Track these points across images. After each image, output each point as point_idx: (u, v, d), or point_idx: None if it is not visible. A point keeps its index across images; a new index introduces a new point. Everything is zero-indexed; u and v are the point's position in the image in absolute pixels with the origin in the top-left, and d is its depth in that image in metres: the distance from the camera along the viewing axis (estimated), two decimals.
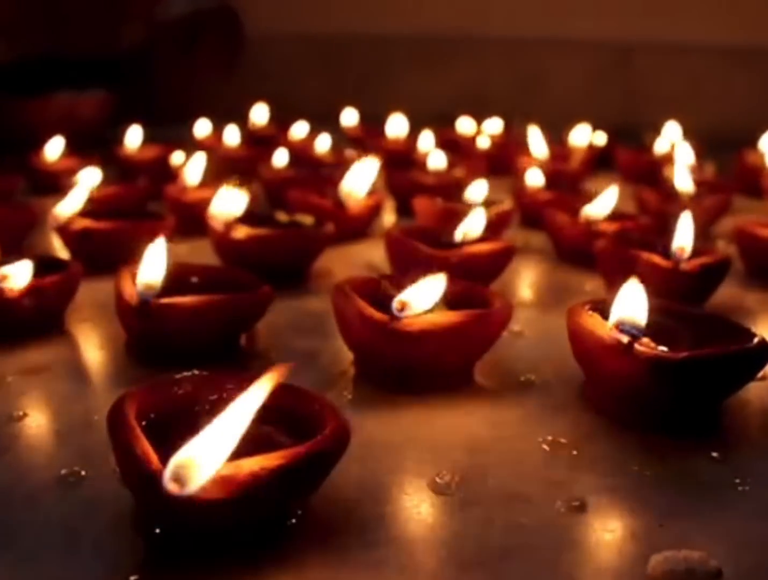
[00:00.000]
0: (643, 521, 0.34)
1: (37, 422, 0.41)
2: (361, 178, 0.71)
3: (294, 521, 0.33)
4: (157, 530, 0.31)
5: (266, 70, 1.48)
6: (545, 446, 0.40)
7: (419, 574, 0.31)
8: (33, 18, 1.23)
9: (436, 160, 0.86)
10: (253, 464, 0.29)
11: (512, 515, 0.34)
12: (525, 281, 0.65)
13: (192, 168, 0.75)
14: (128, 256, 0.62)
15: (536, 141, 1.00)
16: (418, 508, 0.35)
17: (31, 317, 0.50)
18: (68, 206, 0.62)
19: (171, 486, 0.28)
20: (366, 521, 0.33)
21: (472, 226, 0.57)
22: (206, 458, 0.28)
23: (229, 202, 0.60)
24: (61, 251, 0.70)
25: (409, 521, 0.34)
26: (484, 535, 0.33)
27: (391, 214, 0.83)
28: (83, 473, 0.36)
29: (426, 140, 1.01)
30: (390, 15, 1.47)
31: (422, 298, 0.43)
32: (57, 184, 0.87)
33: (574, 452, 0.39)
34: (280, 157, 0.87)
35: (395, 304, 0.42)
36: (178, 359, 0.46)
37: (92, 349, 0.51)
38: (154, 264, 0.46)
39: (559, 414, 0.43)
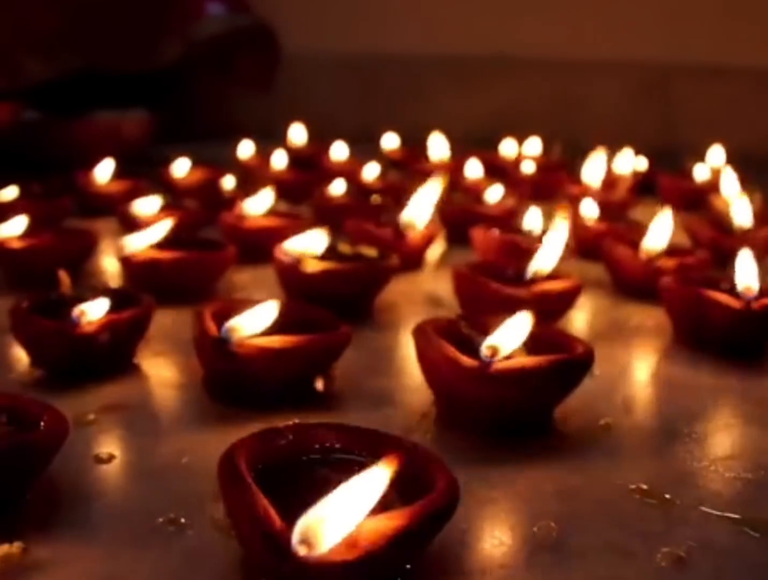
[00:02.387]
0: (743, 577, 0.34)
1: (124, 464, 0.41)
2: (421, 209, 0.71)
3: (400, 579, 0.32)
4: None
5: (301, 89, 1.49)
6: (636, 495, 0.40)
7: None
8: (69, 34, 1.23)
9: (495, 193, 0.86)
10: (375, 526, 0.29)
11: (613, 568, 0.34)
12: (587, 317, 0.65)
13: (255, 200, 0.75)
14: (192, 286, 0.63)
15: (590, 170, 0.99)
16: (521, 559, 0.34)
17: (106, 353, 0.50)
18: (141, 240, 0.63)
19: (299, 548, 0.28)
20: (471, 573, 0.33)
21: (544, 263, 0.57)
22: (334, 521, 0.28)
23: (306, 240, 0.60)
24: (114, 278, 0.70)
25: (515, 574, 0.34)
26: None
27: (441, 243, 0.83)
28: (183, 520, 0.36)
29: (473, 167, 1.01)
30: (426, 35, 1.47)
31: (510, 341, 0.43)
32: (105, 206, 0.88)
33: (666, 497, 0.39)
34: (337, 187, 0.88)
35: (485, 350, 0.42)
36: (256, 398, 0.47)
37: (169, 385, 0.51)
38: (256, 319, 0.46)
39: (644, 460, 0.43)
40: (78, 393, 0.48)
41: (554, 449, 0.44)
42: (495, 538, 0.36)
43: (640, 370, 0.57)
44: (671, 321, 0.60)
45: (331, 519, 0.28)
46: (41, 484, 0.37)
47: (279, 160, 1.04)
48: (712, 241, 0.76)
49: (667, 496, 0.39)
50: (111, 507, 0.37)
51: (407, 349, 0.56)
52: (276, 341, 0.45)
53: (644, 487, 0.40)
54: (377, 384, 0.51)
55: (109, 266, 0.75)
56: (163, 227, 0.64)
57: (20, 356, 0.52)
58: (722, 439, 0.46)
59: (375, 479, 0.30)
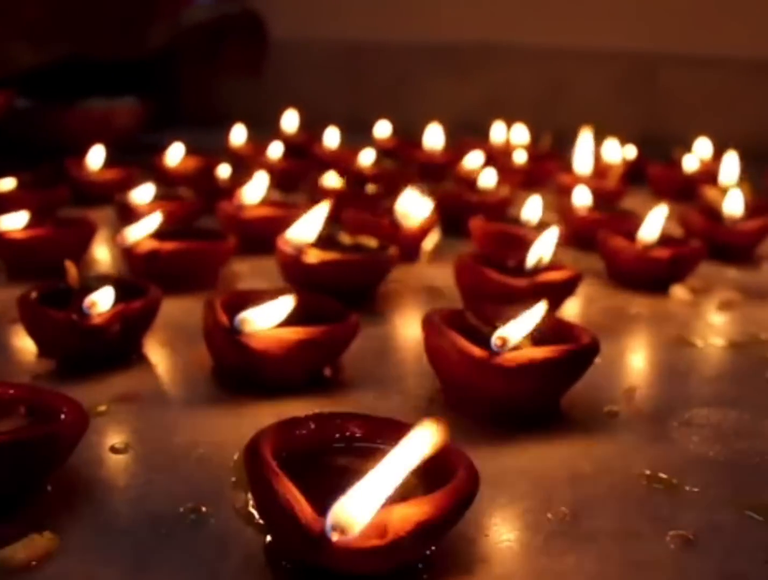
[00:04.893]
0: (749, 558, 0.35)
1: (140, 454, 0.41)
2: (417, 205, 0.72)
3: (421, 565, 0.33)
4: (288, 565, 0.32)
5: (291, 76, 1.48)
6: (643, 480, 0.41)
7: None
8: (57, 21, 1.23)
9: (487, 178, 0.87)
10: (402, 513, 0.30)
11: (626, 551, 0.35)
12: (584, 306, 0.66)
13: (252, 188, 0.75)
14: (194, 277, 0.63)
15: (581, 158, 1.00)
16: (537, 543, 0.35)
17: (115, 343, 0.51)
18: (140, 230, 0.63)
19: (332, 534, 0.28)
20: (486, 558, 0.34)
21: (543, 252, 0.58)
22: (362, 505, 0.29)
23: (305, 227, 0.60)
24: (113, 268, 0.70)
25: (531, 557, 0.34)
26: (604, 573, 0.34)
27: (436, 232, 0.83)
28: (204, 509, 0.37)
29: (471, 157, 1.01)
30: (414, 23, 1.47)
31: (520, 332, 0.44)
32: (98, 194, 0.88)
33: (672, 482, 0.40)
34: (331, 176, 0.88)
35: (495, 340, 0.43)
36: (266, 388, 0.47)
37: (178, 376, 0.51)
38: (270, 313, 0.47)
39: (649, 447, 0.44)
40: (88, 384, 0.48)
41: (562, 436, 0.45)
42: (509, 523, 0.37)
43: (639, 358, 0.58)
44: None
45: (362, 504, 0.29)
46: (60, 474, 0.38)
47: (275, 150, 1.04)
48: (705, 231, 0.77)
49: (674, 481, 0.40)
50: (132, 496, 0.38)
51: (411, 337, 0.57)
52: (288, 332, 0.46)
53: (651, 472, 0.41)
54: (384, 372, 0.52)
55: (108, 256, 0.75)
56: (160, 217, 0.64)
57: (28, 346, 0.52)
58: (723, 424, 0.47)
59: (409, 451, 0.30)
